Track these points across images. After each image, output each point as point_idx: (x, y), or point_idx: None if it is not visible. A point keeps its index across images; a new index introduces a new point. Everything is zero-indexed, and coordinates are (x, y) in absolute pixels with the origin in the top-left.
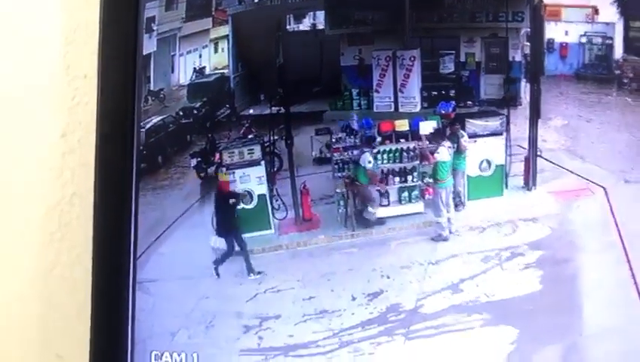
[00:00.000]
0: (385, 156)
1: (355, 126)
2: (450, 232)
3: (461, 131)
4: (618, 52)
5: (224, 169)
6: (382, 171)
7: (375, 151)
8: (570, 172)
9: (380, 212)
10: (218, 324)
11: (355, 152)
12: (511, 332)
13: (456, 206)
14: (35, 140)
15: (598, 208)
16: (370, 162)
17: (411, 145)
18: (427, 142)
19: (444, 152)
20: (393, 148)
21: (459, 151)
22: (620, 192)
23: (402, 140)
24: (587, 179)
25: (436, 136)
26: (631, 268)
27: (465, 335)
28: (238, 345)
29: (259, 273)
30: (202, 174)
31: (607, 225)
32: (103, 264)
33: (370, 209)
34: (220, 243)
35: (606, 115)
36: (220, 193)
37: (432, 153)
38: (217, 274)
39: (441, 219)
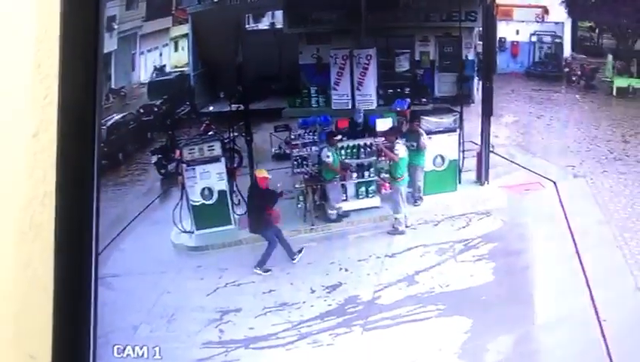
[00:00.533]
0: (342, 152)
1: (359, 119)
2: (406, 226)
3: (420, 129)
4: (567, 50)
5: (259, 165)
6: (341, 165)
7: (335, 147)
8: (522, 167)
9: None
10: (179, 318)
11: (314, 148)
12: (465, 322)
13: (415, 200)
14: (7, 140)
15: (548, 202)
16: (328, 156)
17: (368, 141)
18: (382, 138)
19: (401, 149)
20: (351, 144)
21: (419, 149)
22: (570, 186)
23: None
24: (538, 174)
25: (392, 133)
26: (580, 260)
27: (420, 326)
28: (199, 338)
29: (299, 251)
30: (162, 171)
31: (558, 218)
32: (64, 259)
33: (329, 211)
34: (184, 238)
35: (555, 111)
36: (257, 189)
37: (392, 151)
38: (265, 271)
39: (400, 215)
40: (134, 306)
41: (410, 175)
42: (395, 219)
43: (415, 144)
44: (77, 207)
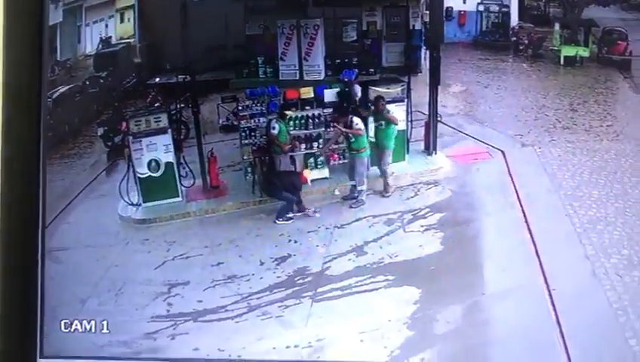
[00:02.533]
0: (291, 123)
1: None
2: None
3: (387, 107)
4: (514, 19)
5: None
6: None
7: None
8: (470, 136)
9: None
10: (127, 292)
11: (263, 120)
12: (414, 292)
13: (385, 189)
14: None
15: (496, 171)
16: (274, 128)
17: (316, 112)
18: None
19: (360, 123)
20: (299, 115)
21: (389, 124)
22: (518, 155)
23: (308, 107)
24: (486, 143)
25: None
26: (529, 229)
27: (370, 296)
28: (147, 311)
29: (289, 218)
30: (109, 143)
31: (506, 187)
32: (10, 233)
33: None
34: (132, 211)
35: (503, 80)
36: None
37: (350, 127)
38: (288, 220)
39: (363, 186)
40: (82, 280)
41: (376, 158)
42: (359, 191)
43: (383, 122)
44: (23, 179)
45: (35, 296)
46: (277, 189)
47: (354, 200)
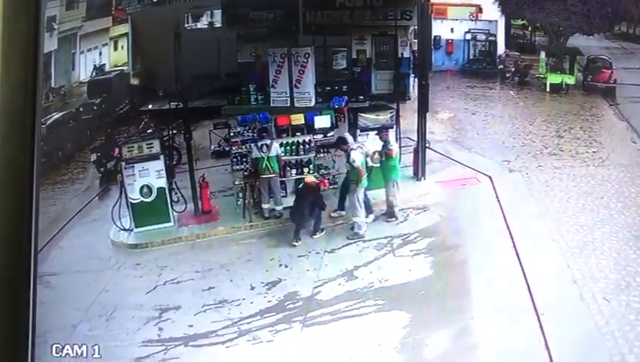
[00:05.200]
0: (282, 148)
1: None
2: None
3: (388, 137)
4: (501, 48)
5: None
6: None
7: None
8: (458, 162)
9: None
10: (118, 316)
11: (253, 145)
12: (404, 316)
13: (388, 217)
14: None
15: (484, 196)
16: (280, 152)
17: (307, 138)
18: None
19: (357, 155)
20: (290, 141)
21: (388, 157)
22: (505, 181)
23: (298, 133)
24: (474, 169)
25: (341, 143)
26: (517, 253)
27: (360, 321)
28: (138, 336)
29: (322, 229)
30: (102, 169)
31: (494, 212)
32: (2, 258)
33: (277, 208)
34: (123, 236)
35: (490, 107)
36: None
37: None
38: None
39: (359, 218)
40: (73, 304)
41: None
42: (354, 222)
43: (384, 155)
44: (16, 205)
45: (27, 320)
46: (306, 214)
47: (351, 233)
